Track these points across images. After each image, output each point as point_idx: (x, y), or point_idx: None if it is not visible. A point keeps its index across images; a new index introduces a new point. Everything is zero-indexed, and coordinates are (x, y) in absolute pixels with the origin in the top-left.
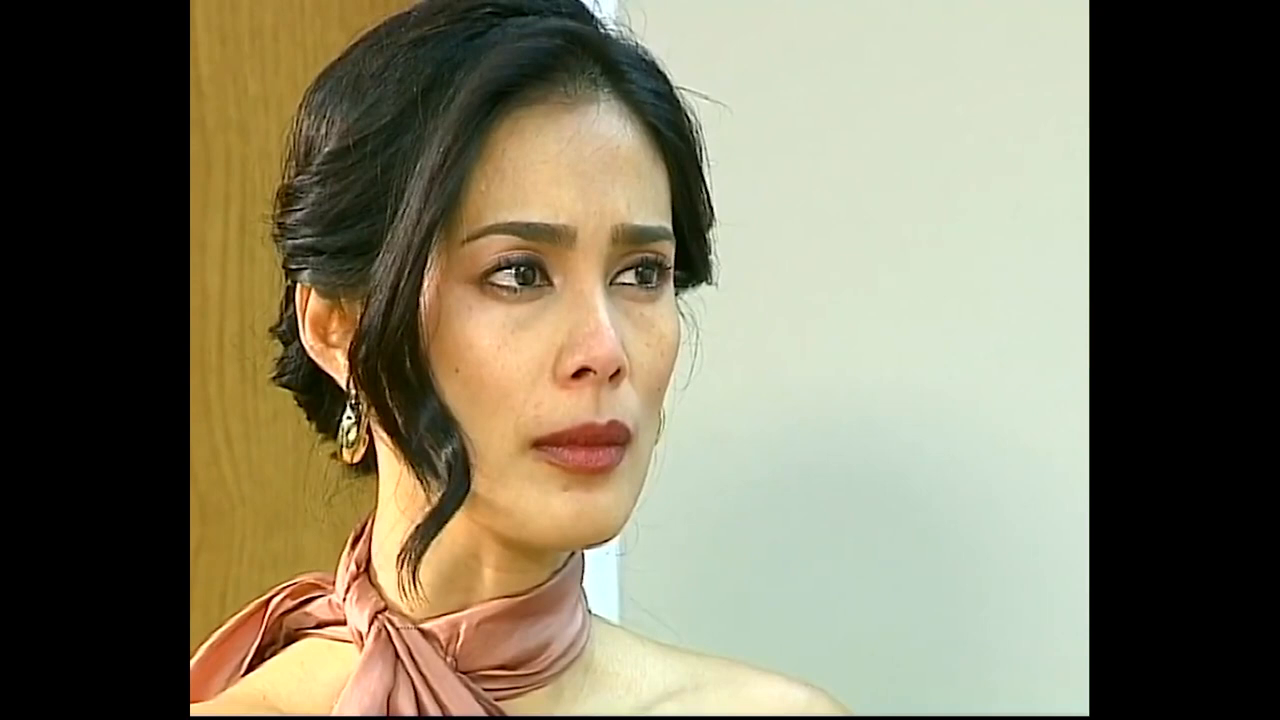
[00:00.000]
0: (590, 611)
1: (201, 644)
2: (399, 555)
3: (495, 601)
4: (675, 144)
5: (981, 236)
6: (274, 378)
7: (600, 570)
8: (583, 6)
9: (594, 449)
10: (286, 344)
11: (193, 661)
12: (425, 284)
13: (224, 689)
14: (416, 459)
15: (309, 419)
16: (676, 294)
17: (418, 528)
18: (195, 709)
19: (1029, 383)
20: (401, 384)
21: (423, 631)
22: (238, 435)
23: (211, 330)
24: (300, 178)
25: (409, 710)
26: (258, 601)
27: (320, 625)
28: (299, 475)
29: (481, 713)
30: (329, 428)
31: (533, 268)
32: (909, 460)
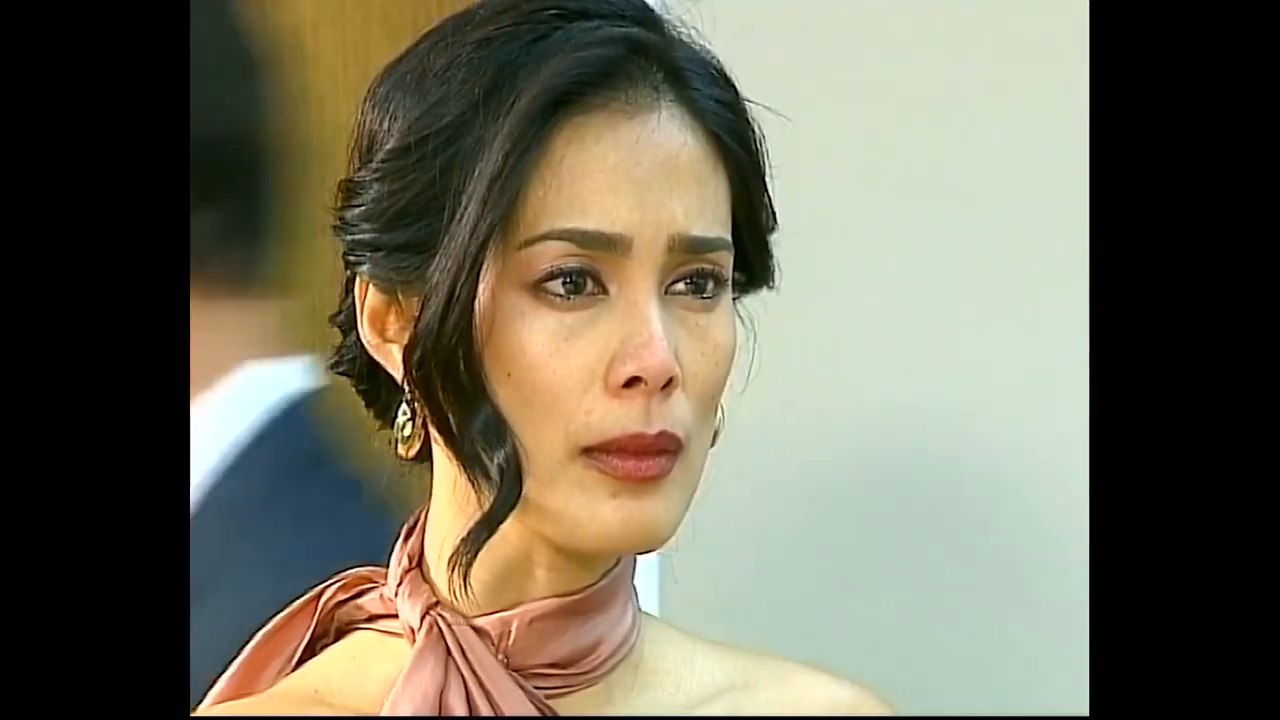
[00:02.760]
0: (640, 609)
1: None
2: (450, 559)
3: (548, 600)
4: (737, 153)
5: (1038, 245)
6: (331, 366)
7: (644, 568)
8: (650, 10)
9: (643, 458)
10: (345, 333)
11: (244, 653)
12: (480, 289)
13: (275, 681)
14: (469, 462)
15: (367, 407)
16: (736, 299)
17: (469, 533)
18: (249, 704)
19: (1080, 394)
20: (455, 387)
21: (475, 628)
22: None
23: None
24: (361, 173)
25: (460, 707)
26: (310, 594)
27: (372, 619)
28: None
29: (533, 711)
30: (386, 417)
31: (584, 276)
32: (953, 464)
